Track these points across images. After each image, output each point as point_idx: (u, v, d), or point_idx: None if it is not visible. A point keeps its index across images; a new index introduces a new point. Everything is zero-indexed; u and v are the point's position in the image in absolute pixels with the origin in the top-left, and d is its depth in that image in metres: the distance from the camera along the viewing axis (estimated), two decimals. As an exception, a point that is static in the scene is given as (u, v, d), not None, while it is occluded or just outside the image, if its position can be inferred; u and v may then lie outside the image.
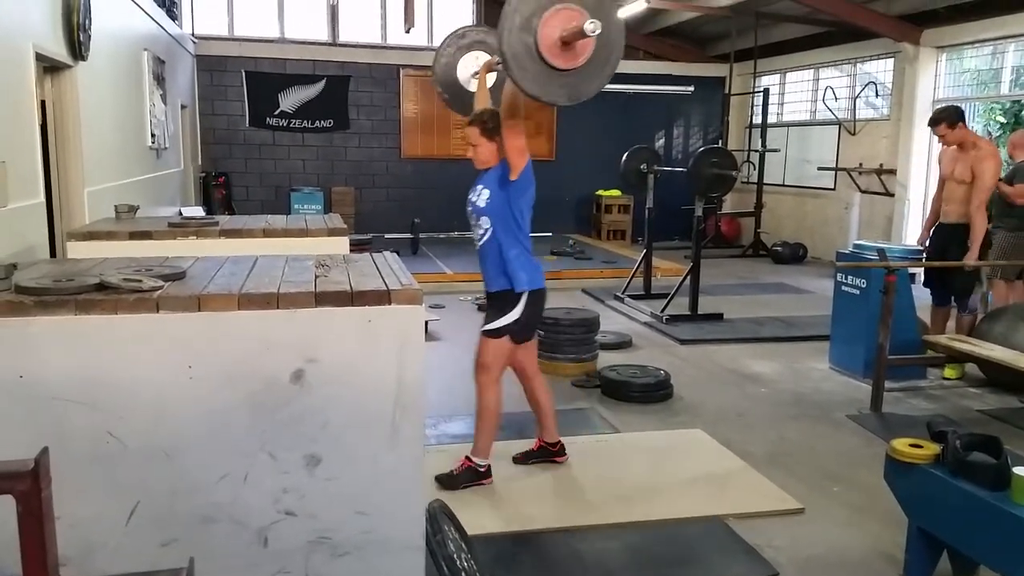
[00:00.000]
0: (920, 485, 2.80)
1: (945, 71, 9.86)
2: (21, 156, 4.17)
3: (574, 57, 2.80)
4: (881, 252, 5.27)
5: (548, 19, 2.73)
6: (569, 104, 3.02)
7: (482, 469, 3.72)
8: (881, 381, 4.99)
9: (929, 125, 5.90)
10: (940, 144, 6.03)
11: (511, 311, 3.60)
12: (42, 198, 4.54)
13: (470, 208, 3.67)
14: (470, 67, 4.21)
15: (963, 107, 6.47)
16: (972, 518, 2.61)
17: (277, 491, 2.32)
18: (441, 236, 12.12)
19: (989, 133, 10.49)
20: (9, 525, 1.23)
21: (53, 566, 1.21)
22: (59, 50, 4.85)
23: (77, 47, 5.05)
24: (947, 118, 5.69)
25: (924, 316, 5.92)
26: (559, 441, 4.01)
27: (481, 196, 3.62)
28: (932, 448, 2.79)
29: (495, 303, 3.68)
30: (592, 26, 2.64)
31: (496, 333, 3.64)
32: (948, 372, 5.67)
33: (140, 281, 2.28)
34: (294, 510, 2.33)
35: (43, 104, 4.84)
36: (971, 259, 5.53)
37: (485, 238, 3.62)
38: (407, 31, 9.17)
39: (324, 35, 12.70)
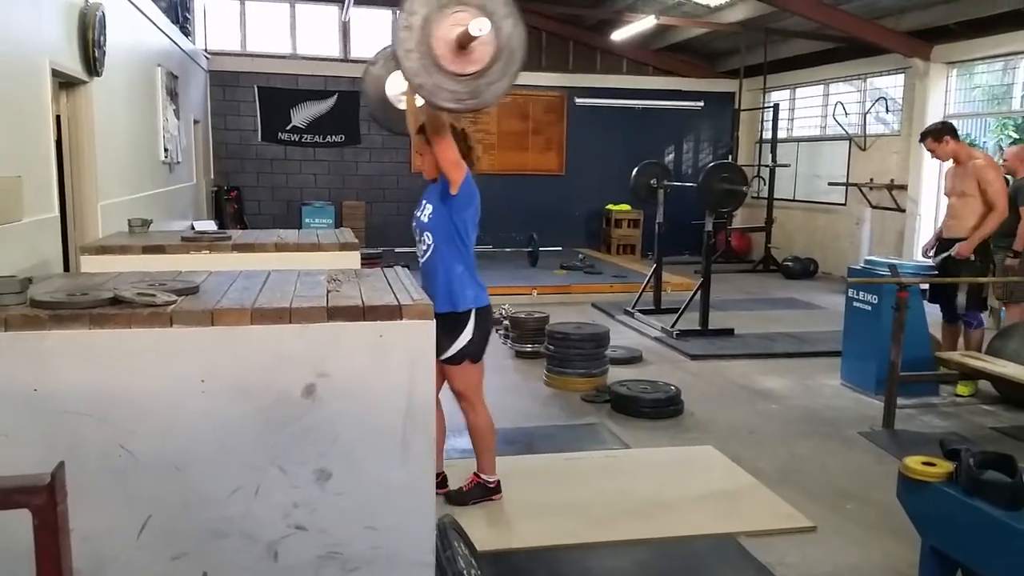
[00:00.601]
0: (933, 503, 2.77)
1: (956, 87, 9.86)
2: (36, 170, 4.21)
3: (469, 62, 2.67)
4: (893, 268, 5.26)
5: (442, 20, 2.62)
6: (461, 110, 2.83)
7: (491, 485, 3.72)
8: (893, 398, 4.96)
9: (919, 142, 5.97)
10: (933, 158, 6.10)
11: (462, 333, 3.48)
12: (56, 212, 4.58)
13: (414, 223, 3.60)
14: (401, 84, 3.91)
15: (975, 123, 6.53)
16: (986, 537, 2.58)
17: (288, 505, 2.32)
18: (451, 250, 12.15)
19: (1001, 148, 10.46)
20: (24, 538, 1.23)
21: (68, 580, 1.22)
22: (74, 66, 4.90)
23: (92, 63, 5.10)
24: (931, 133, 5.79)
25: (934, 332, 5.89)
26: (441, 472, 3.79)
27: (424, 211, 3.55)
28: (945, 466, 2.76)
29: (442, 327, 3.44)
30: (478, 27, 2.55)
31: (455, 360, 3.52)
32: (961, 389, 5.63)
33: (154, 296, 2.30)
34: (304, 524, 2.33)
35: (58, 119, 4.89)
36: (965, 248, 5.57)
37: (428, 254, 3.53)
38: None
39: (336, 51, 12.81)
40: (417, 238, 3.61)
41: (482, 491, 3.69)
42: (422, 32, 2.63)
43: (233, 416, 2.26)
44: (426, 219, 3.54)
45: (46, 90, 4.36)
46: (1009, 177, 6.46)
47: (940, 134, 5.72)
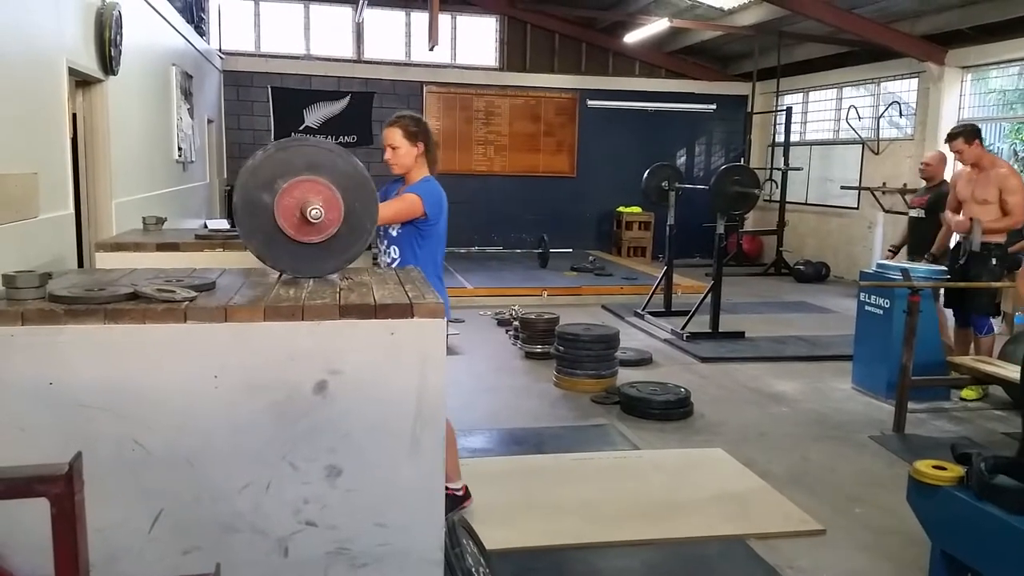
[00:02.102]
0: (944, 508, 2.77)
1: (970, 91, 9.81)
2: (52, 168, 4.24)
3: (309, 233, 2.59)
4: (905, 272, 5.24)
5: (293, 185, 2.55)
6: (291, 275, 2.68)
7: (459, 493, 3.57)
8: (904, 402, 4.94)
9: (946, 141, 5.95)
10: (957, 163, 6.05)
11: None
12: (71, 209, 4.61)
13: (381, 233, 3.56)
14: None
15: (989, 127, 6.51)
16: (997, 542, 2.58)
17: (298, 501, 2.33)
18: (461, 251, 12.17)
19: (1016, 154, 10.41)
20: (41, 528, 1.25)
21: (84, 568, 1.23)
22: (91, 64, 4.94)
23: (108, 62, 5.14)
24: (964, 133, 5.72)
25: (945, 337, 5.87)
26: (464, 486, 3.66)
27: (392, 226, 3.52)
28: (956, 470, 2.76)
29: None
30: (317, 212, 2.53)
31: None
32: (967, 392, 5.60)
33: (173, 292, 2.32)
34: (315, 520, 2.35)
35: (74, 117, 4.93)
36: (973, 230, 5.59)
37: (394, 266, 3.51)
38: (431, 49, 9.24)
39: (349, 52, 12.86)
40: (382, 248, 3.58)
41: (452, 502, 3.38)
42: (267, 222, 2.56)
43: (245, 412, 2.27)
44: (395, 233, 3.51)
45: (63, 88, 4.39)
46: (924, 182, 6.63)
47: (972, 136, 5.67)
